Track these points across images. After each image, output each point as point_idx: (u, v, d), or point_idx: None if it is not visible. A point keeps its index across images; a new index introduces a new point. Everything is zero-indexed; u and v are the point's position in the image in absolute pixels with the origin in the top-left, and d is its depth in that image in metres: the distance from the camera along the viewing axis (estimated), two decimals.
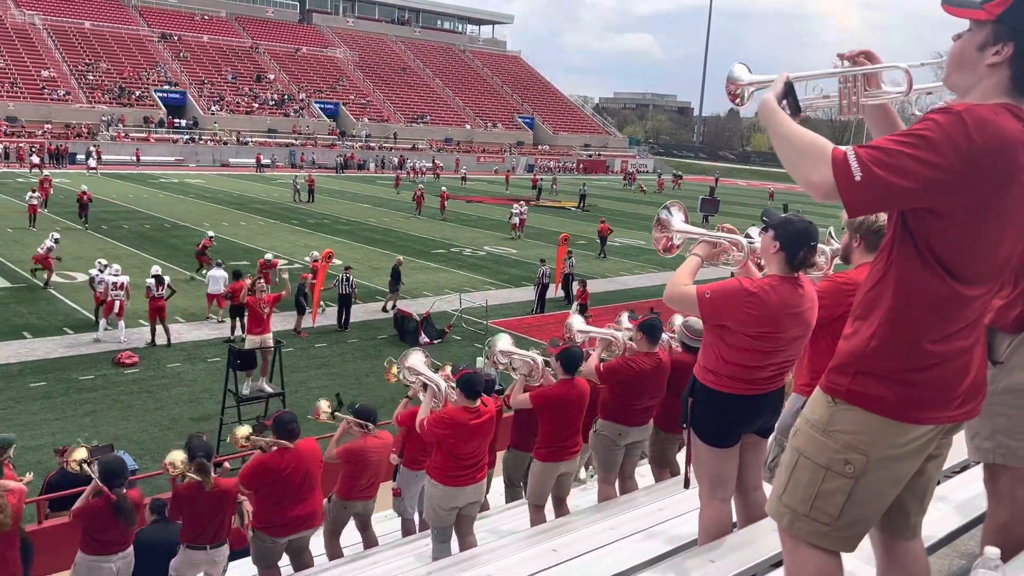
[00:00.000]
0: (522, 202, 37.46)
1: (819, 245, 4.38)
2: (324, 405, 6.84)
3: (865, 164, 1.86)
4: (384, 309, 21.10)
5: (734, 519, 3.78)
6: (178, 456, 6.00)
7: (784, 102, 2.17)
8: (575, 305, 19.68)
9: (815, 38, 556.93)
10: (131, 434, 12.40)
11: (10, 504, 5.31)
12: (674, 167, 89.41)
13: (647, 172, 78.50)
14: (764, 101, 2.18)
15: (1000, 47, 1.95)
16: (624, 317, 6.15)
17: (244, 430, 6.39)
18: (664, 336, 5.87)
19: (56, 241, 21.30)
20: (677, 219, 3.73)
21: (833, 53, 2.36)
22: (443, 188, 42.39)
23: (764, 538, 3.28)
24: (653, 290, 25.28)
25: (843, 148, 1.92)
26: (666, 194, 61.47)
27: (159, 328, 17.01)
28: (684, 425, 3.66)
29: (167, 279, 17.61)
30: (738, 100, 2.42)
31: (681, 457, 6.16)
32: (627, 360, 5.54)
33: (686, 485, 3.88)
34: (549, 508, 5.76)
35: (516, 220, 34.93)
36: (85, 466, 6.00)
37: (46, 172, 38.24)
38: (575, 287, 21.69)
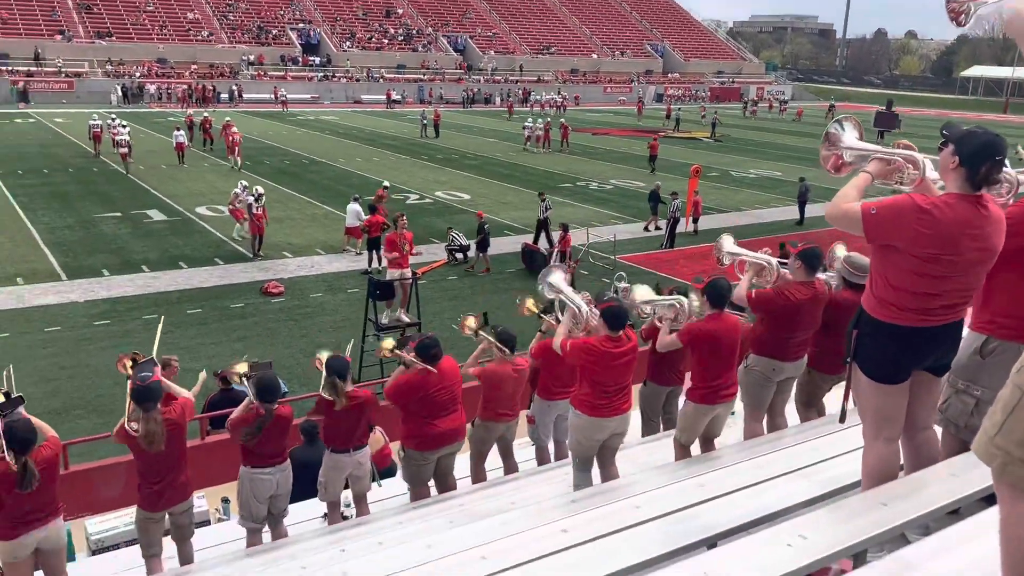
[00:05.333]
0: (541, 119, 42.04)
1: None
2: (471, 321, 6.91)
3: None
4: (646, 228, 22.86)
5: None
6: (325, 355, 6.34)
7: None
8: (556, 253, 18.45)
9: None
10: (279, 360, 13.10)
11: (168, 422, 5.65)
12: (814, 93, 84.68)
13: (784, 98, 74.66)
14: (1020, 12, 1.94)
15: None
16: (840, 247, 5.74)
17: (389, 343, 6.59)
18: (822, 276, 5.58)
19: (244, 189, 20.10)
20: (849, 135, 3.43)
21: None
22: (557, 119, 41.94)
23: (939, 483, 3.09)
24: (787, 225, 24.28)
25: None
26: (809, 123, 58.43)
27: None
28: (847, 360, 3.42)
29: (262, 198, 19.20)
30: (962, 17, 2.19)
31: (828, 399, 5.92)
32: (782, 289, 5.29)
33: (841, 419, 3.69)
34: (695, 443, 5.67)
35: (539, 133, 39.26)
36: (244, 380, 6.37)
37: (205, 112, 40.15)
38: (557, 233, 19.32)
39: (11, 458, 5.00)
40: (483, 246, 18.91)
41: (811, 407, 5.87)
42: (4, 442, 5.02)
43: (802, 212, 24.71)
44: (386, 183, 23.51)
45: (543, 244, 19.75)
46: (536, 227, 20.87)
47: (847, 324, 3.47)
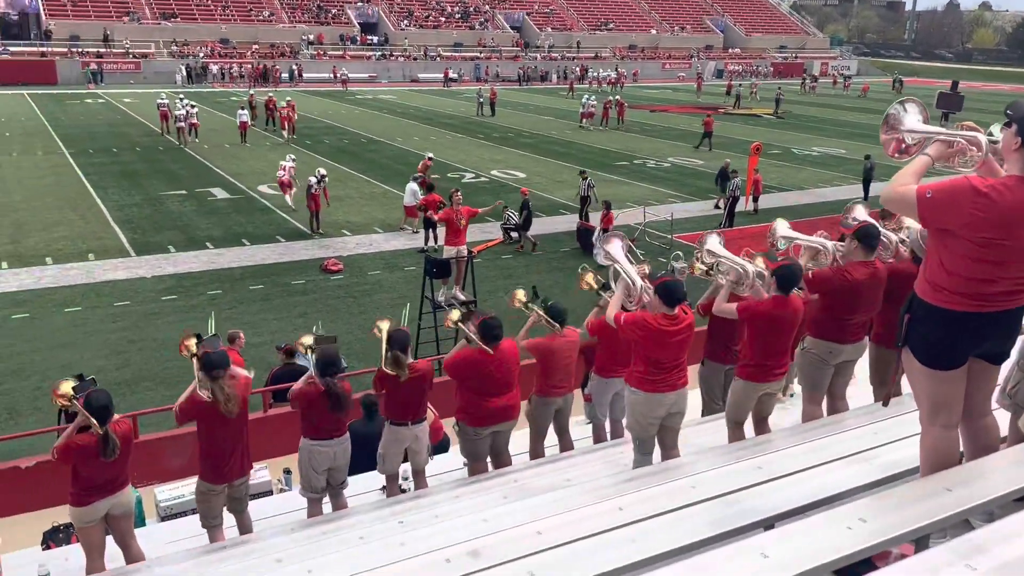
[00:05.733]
0: (593, 97, 41.66)
1: None
2: (520, 294, 6.91)
3: None
4: (717, 206, 22.27)
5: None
6: (384, 325, 6.37)
7: None
8: (598, 231, 18.09)
9: None
10: (339, 335, 13.32)
11: (237, 391, 5.81)
12: (881, 68, 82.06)
13: (848, 73, 72.53)
14: None
15: None
16: (860, 208, 5.59)
17: (456, 314, 6.63)
18: (893, 237, 5.42)
19: (292, 160, 22.03)
20: (911, 118, 3.32)
21: None
22: (614, 97, 41.39)
23: (1004, 470, 3.02)
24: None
25: None
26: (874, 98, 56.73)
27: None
28: (899, 344, 3.37)
29: (325, 179, 19.91)
30: None
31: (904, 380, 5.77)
32: (840, 269, 5.18)
33: (884, 403, 3.64)
34: (749, 425, 5.61)
35: (592, 110, 38.96)
36: (309, 351, 6.49)
37: (270, 92, 41.21)
38: (601, 210, 18.84)
39: (96, 425, 5.22)
40: (526, 224, 18.91)
41: (884, 386, 5.71)
42: (87, 412, 5.25)
43: (867, 190, 24.09)
44: (430, 154, 24.36)
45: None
46: (580, 205, 20.76)
47: (907, 294, 3.40)
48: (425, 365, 6.43)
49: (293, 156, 22.51)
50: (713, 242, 5.89)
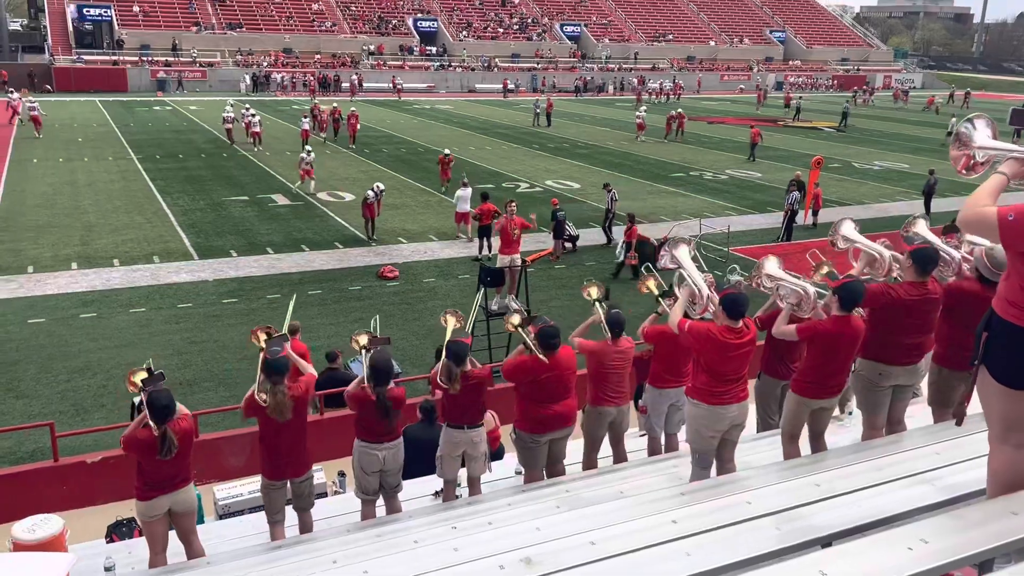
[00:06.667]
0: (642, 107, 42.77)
1: None
2: (594, 290, 6.79)
3: None
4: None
5: None
6: (452, 319, 6.47)
7: None
8: (622, 244, 17.94)
9: None
10: (393, 341, 13.46)
11: (291, 399, 5.95)
12: (947, 81, 79.93)
13: (907, 87, 70.86)
14: None
15: None
16: (921, 223, 5.45)
17: (517, 318, 6.56)
18: (956, 255, 5.29)
19: (308, 153, 25.48)
20: (981, 134, 3.28)
21: None
22: (676, 110, 41.02)
23: None
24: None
25: None
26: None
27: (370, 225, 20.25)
28: (975, 362, 3.31)
29: (383, 193, 20.52)
30: None
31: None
32: (889, 287, 5.09)
33: (958, 422, 3.57)
34: (804, 443, 5.52)
35: (639, 121, 38.92)
36: (363, 352, 6.53)
37: (335, 102, 42.43)
38: (626, 224, 18.43)
39: (154, 425, 5.40)
40: (558, 234, 18.97)
41: (945, 407, 5.55)
42: (147, 411, 5.44)
43: (928, 206, 23.49)
44: (447, 150, 26.31)
45: (616, 234, 19.80)
46: (604, 218, 20.57)
47: (970, 314, 3.34)
48: (483, 372, 6.47)
49: (310, 149, 25.97)
50: (772, 266, 5.80)
